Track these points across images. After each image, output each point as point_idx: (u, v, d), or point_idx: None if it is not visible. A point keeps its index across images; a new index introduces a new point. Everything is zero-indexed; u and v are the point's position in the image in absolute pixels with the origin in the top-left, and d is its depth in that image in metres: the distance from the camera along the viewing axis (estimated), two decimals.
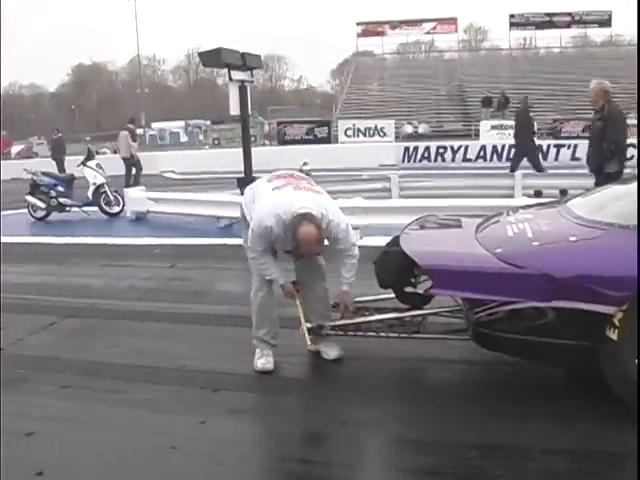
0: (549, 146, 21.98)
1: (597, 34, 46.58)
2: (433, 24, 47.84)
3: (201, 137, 39.77)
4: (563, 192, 9.89)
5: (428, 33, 48.56)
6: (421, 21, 47.96)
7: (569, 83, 35.08)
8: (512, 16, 45.71)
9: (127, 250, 9.18)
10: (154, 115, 55.16)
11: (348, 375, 4.38)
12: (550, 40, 46.07)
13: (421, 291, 4.28)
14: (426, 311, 4.29)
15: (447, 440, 3.39)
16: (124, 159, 17.18)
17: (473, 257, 3.70)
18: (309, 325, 4.46)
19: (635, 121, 16.90)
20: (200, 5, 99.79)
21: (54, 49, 78.28)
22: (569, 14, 45.31)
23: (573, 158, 20.27)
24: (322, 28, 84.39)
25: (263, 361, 4.41)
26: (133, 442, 3.56)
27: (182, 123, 49.60)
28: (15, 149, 36.12)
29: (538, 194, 9.83)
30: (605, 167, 7.57)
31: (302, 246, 3.99)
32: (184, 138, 45.88)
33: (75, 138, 44.40)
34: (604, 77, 28.52)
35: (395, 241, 4.36)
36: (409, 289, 4.34)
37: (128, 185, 15.58)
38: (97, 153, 30.64)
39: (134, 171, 17.27)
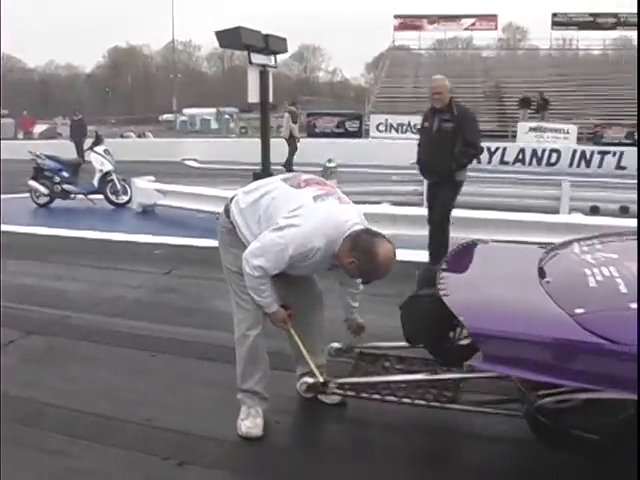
0: (592, 153, 20.67)
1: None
2: (472, 20, 46.42)
3: (232, 125, 38.80)
4: (624, 209, 8.82)
5: (467, 29, 47.11)
6: (460, 17, 46.56)
7: (610, 87, 33.59)
8: (555, 15, 44.12)
9: (124, 249, 8.19)
10: (187, 101, 54.43)
11: (356, 449, 3.33)
12: (589, 42, 44.48)
13: (463, 343, 3.23)
14: (467, 374, 3.20)
15: None
16: (286, 139, 17.98)
17: (543, 320, 2.60)
18: (309, 381, 3.46)
19: None
20: None
21: (91, 30, 77.79)
22: (614, 15, 43.61)
23: (618, 167, 18.97)
24: (359, 20, 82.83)
25: (249, 424, 3.39)
26: None
27: (213, 110, 48.76)
28: (39, 129, 35.36)
29: (595, 210, 8.75)
30: (456, 174, 6.52)
31: (381, 269, 3.14)
32: (214, 125, 44.98)
33: (103, 120, 43.91)
34: None
35: (428, 277, 3.31)
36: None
37: (287, 164, 17.12)
38: (121, 137, 30.06)
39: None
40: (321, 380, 3.43)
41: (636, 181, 14.02)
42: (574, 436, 2.63)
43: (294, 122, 18.41)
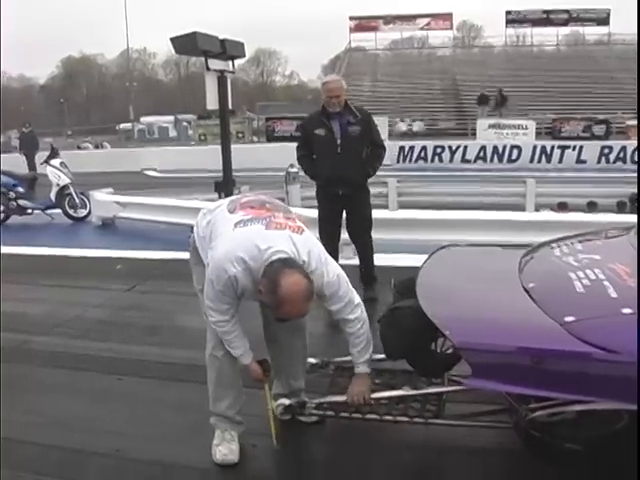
0: (552, 147, 20.80)
1: (591, 32, 45.44)
2: (427, 20, 46.70)
3: (190, 132, 38.41)
4: (591, 205, 8.80)
5: (422, 29, 47.37)
6: (415, 16, 46.81)
7: (565, 81, 34.05)
8: (509, 12, 44.67)
9: (84, 265, 7.92)
10: (144, 109, 53.78)
11: (337, 470, 3.18)
12: (543, 38, 45.07)
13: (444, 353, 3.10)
14: (450, 387, 3.06)
15: None
16: None
17: (531, 330, 2.48)
18: (286, 402, 3.29)
19: None
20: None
21: (43, 41, 76.48)
22: (567, 11, 44.31)
23: (579, 160, 19.13)
24: (314, 22, 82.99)
25: (224, 450, 3.21)
26: None
27: (171, 118, 48.25)
28: None
29: (562, 207, 8.71)
30: (367, 181, 5.84)
31: (286, 304, 2.78)
32: (173, 133, 44.48)
33: (59, 132, 43.11)
34: (600, 76, 28.04)
35: (406, 287, 3.16)
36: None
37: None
38: (78, 148, 29.49)
39: None
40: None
41: (596, 175, 14.17)
42: (568, 449, 2.50)
43: None
